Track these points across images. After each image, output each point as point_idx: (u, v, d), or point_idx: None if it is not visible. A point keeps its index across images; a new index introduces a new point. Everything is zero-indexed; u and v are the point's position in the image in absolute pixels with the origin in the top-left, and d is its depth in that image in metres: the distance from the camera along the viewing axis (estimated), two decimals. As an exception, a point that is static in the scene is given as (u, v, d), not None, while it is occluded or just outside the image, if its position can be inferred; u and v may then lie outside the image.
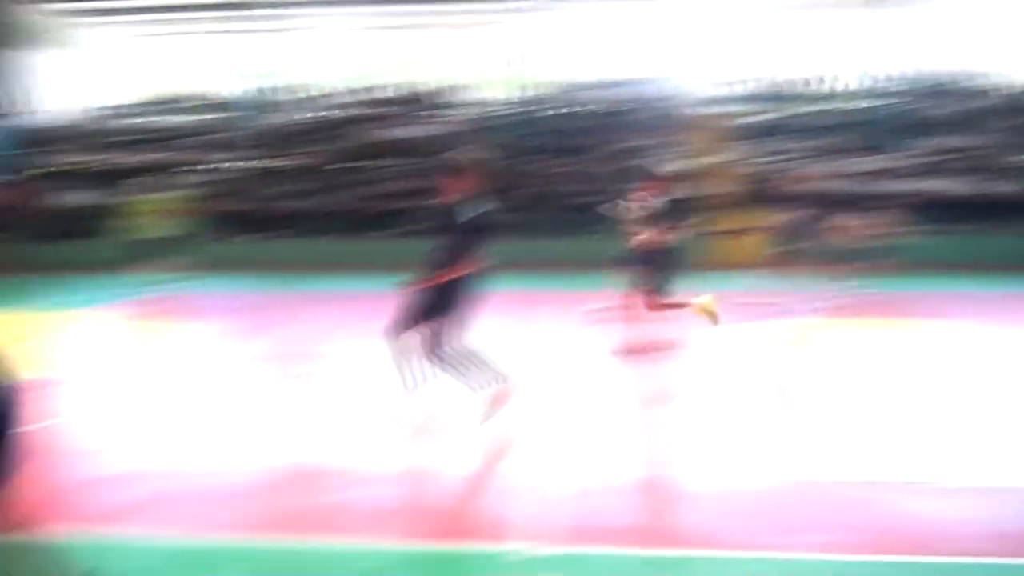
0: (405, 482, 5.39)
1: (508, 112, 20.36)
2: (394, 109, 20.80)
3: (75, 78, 23.63)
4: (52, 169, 20.02)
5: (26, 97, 21.47)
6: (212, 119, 21.59)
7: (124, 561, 4.43)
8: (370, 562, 4.33)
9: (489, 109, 20.58)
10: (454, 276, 6.03)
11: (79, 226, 18.26)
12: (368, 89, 21.96)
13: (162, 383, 8.10)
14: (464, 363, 6.29)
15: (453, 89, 21.30)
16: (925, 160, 17.55)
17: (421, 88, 21.93)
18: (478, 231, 6.12)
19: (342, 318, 11.54)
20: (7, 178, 19.35)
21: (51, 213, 18.66)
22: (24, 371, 3.99)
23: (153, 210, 13.69)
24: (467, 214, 6.09)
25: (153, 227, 13.54)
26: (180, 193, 17.10)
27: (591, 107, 20.01)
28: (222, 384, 8.07)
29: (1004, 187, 16.90)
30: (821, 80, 19.69)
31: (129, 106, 22.94)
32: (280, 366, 8.61)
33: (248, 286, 14.49)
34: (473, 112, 20.39)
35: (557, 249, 16.21)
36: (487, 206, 6.20)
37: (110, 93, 23.24)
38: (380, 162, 19.21)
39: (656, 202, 8.66)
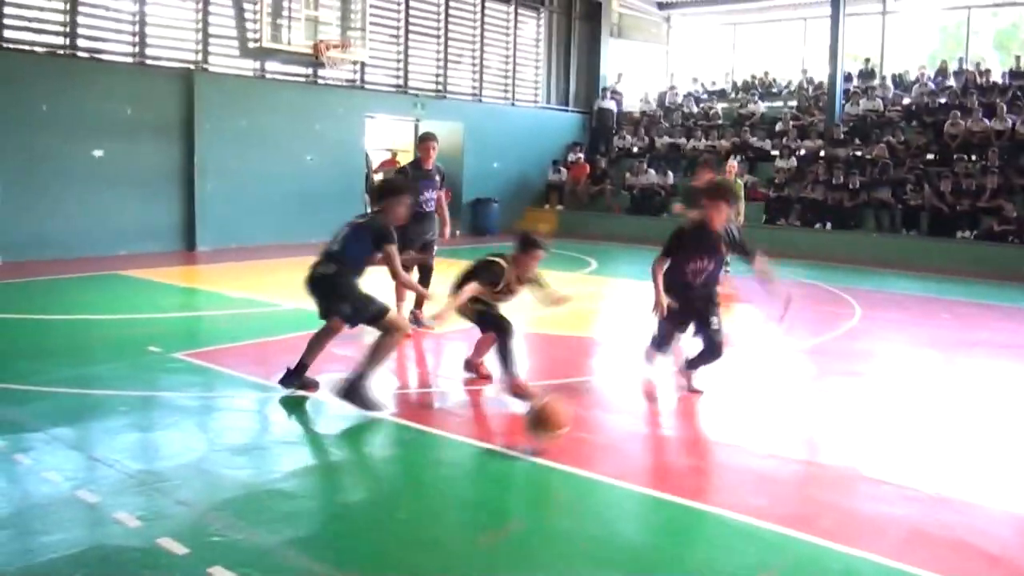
0: (945, 509, 4.56)
1: None
2: (994, 96, 18.49)
3: (662, 66, 25.12)
4: (634, 149, 21.50)
5: (616, 83, 23.23)
6: (794, 105, 21.35)
7: (644, 517, 4.42)
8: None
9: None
10: None
11: (654, 203, 19.36)
12: (964, 73, 19.87)
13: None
14: None
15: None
16: None
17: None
18: None
19: (910, 322, 10.53)
20: (580, 156, 21.26)
21: (630, 189, 20.04)
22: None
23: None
24: None
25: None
26: (752, 177, 17.13)
27: None
28: (762, 367, 7.79)
29: None
30: None
31: (709, 92, 23.71)
32: (832, 362, 8.08)
33: (814, 277, 13.96)
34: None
35: None
36: None
37: (693, 79, 24.26)
38: (973, 154, 17.16)
39: None
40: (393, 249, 5.78)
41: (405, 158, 19.29)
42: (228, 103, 15.04)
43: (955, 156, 17.05)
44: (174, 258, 13.74)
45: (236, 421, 5.74)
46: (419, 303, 8.44)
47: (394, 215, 6.00)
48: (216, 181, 14.81)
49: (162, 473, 4.61)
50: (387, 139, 19.91)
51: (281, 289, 10.61)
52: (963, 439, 5.82)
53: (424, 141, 8.67)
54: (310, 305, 6.06)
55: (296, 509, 4.23)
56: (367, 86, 17.66)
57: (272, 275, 12.18)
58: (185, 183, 14.58)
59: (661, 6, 24.75)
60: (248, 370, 6.74)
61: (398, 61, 18.27)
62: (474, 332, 6.69)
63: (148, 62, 14.32)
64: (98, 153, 13.52)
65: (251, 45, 15.48)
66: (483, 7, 19.91)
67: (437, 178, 8.71)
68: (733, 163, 14.22)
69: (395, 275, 5.96)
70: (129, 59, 14.16)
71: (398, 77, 18.31)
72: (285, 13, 15.77)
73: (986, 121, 17.40)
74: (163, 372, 6.68)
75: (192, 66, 14.79)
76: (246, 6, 15.36)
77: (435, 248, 8.74)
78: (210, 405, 5.99)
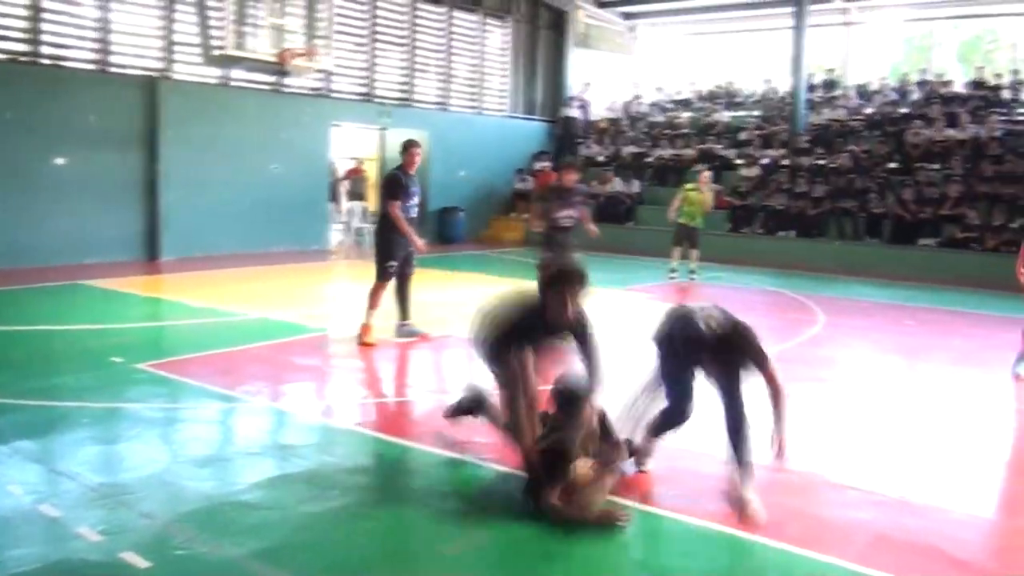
0: (910, 514, 4.62)
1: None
2: (956, 105, 18.80)
3: (627, 75, 25.21)
4: (600, 158, 21.53)
5: (582, 92, 23.23)
6: (758, 114, 21.55)
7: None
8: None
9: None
10: None
11: (620, 211, 19.40)
12: (927, 83, 20.19)
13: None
14: None
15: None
16: None
17: (992, 81, 19.59)
18: None
19: (873, 328, 10.66)
20: (546, 165, 21.19)
21: (596, 198, 20.03)
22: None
23: (689, 201, 13.88)
24: None
25: (687, 217, 13.77)
26: (717, 186, 17.24)
27: None
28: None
29: None
30: None
31: (674, 101, 23.84)
32: (796, 368, 8.15)
33: (778, 284, 14.10)
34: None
35: None
36: None
37: (658, 89, 24.39)
38: (935, 163, 17.40)
39: None
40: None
41: (371, 167, 19.26)
42: (192, 111, 14.90)
43: (917, 165, 17.28)
44: (137, 267, 13.57)
45: (200, 432, 5.67)
46: (404, 315, 8.44)
47: (558, 310, 4.72)
48: (180, 190, 14.65)
49: (125, 486, 4.55)
50: (353, 147, 19.81)
51: (246, 298, 10.52)
52: (927, 444, 5.90)
53: (409, 148, 8.71)
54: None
55: (260, 521, 4.19)
56: (333, 94, 17.59)
57: (237, 284, 12.07)
58: (148, 191, 14.41)
59: (627, 16, 24.88)
60: (212, 380, 6.67)
61: (364, 69, 18.22)
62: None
63: (112, 69, 14.15)
64: (60, 161, 13.33)
65: (215, 53, 15.35)
66: (450, 16, 19.92)
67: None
68: (706, 173, 14.29)
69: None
70: (92, 66, 13.97)
71: (364, 86, 18.25)
72: (250, 21, 15.67)
73: (949, 130, 17.66)
74: (126, 383, 6.58)
75: (156, 74, 14.64)
76: (211, 13, 15.23)
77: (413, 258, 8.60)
78: (174, 416, 5.91)
